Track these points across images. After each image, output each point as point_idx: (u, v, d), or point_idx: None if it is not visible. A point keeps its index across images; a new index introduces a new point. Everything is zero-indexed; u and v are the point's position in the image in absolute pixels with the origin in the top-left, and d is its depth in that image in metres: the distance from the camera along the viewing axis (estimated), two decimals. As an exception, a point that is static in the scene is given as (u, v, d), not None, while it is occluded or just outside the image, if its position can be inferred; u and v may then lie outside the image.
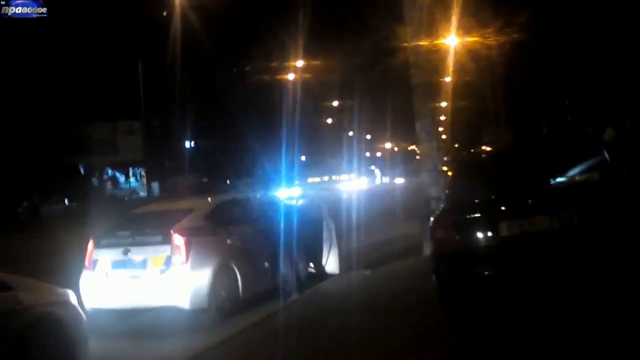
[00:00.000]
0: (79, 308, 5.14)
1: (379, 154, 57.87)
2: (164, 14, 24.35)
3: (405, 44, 10.69)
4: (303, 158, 39.69)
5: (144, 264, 6.69)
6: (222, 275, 6.95)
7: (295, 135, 27.63)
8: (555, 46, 18.53)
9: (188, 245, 6.68)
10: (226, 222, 7.60)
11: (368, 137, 47.58)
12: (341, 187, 34.79)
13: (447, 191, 5.57)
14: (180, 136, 33.95)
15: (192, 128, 32.84)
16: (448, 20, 13.37)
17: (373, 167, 57.40)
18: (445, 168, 12.72)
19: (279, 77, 27.11)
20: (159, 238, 6.74)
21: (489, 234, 4.50)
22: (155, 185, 33.02)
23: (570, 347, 3.98)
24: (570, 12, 18.09)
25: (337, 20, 21.60)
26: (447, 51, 16.75)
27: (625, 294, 4.06)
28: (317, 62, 25.85)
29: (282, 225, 8.10)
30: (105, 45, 29.41)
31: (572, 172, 4.75)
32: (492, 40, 14.12)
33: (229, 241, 7.34)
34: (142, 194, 32.91)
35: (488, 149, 10.46)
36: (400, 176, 50.69)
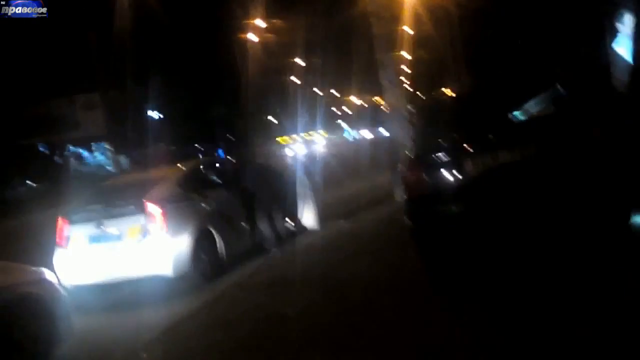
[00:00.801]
0: (56, 285, 5.00)
1: (345, 109, 57.86)
2: None
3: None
4: (270, 118, 39.51)
5: (120, 236, 6.64)
6: (201, 240, 6.98)
7: (262, 96, 27.29)
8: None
9: (164, 213, 6.67)
10: (200, 187, 7.60)
11: (334, 92, 47.43)
12: (310, 144, 34.91)
13: (414, 136, 5.70)
14: (143, 106, 33.21)
15: (155, 97, 32.13)
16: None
17: (340, 122, 57.44)
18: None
19: (240, 36, 26.56)
20: (132, 208, 6.68)
21: (455, 172, 4.67)
22: (122, 158, 32.44)
23: (537, 277, 4.19)
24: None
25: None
26: (405, 0, 16.64)
27: (582, 218, 4.30)
28: (277, 21, 25.34)
29: (255, 185, 8.19)
30: (54, 17, 28.15)
31: (529, 106, 4.94)
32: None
33: (204, 205, 7.37)
34: (109, 168, 32.30)
35: (448, 91, 10.66)
36: (368, 129, 50.89)
